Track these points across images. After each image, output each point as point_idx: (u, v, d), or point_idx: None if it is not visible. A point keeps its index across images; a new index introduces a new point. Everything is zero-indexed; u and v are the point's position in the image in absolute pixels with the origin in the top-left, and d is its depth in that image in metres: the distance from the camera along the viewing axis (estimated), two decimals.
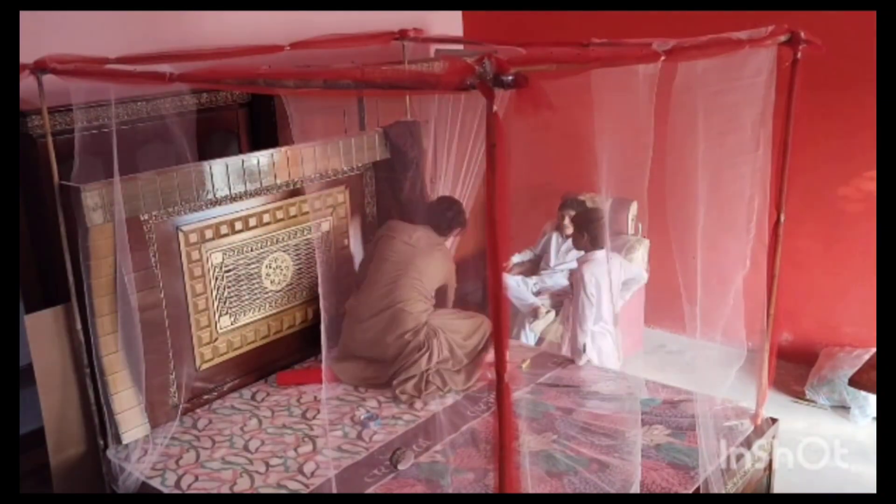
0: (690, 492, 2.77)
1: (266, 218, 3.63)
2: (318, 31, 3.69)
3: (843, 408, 4.21)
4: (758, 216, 2.87)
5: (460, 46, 4.89)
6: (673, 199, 2.75)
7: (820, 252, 4.44)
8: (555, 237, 4.76)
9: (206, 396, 3.48)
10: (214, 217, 3.44)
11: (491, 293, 1.70)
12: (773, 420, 3.20)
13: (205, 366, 3.50)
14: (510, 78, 1.50)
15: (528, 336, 4.40)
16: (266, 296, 3.70)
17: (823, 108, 4.09)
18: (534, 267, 4.86)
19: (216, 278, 3.49)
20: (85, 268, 2.97)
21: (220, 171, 3.31)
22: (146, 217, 3.17)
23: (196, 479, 2.95)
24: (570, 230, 4.57)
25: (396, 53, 4.12)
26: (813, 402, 4.27)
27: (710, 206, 2.76)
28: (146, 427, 3.18)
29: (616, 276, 3.92)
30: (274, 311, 3.75)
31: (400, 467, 2.92)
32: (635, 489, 2.72)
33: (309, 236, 3.83)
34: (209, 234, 3.43)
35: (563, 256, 4.70)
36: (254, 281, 3.64)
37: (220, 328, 3.54)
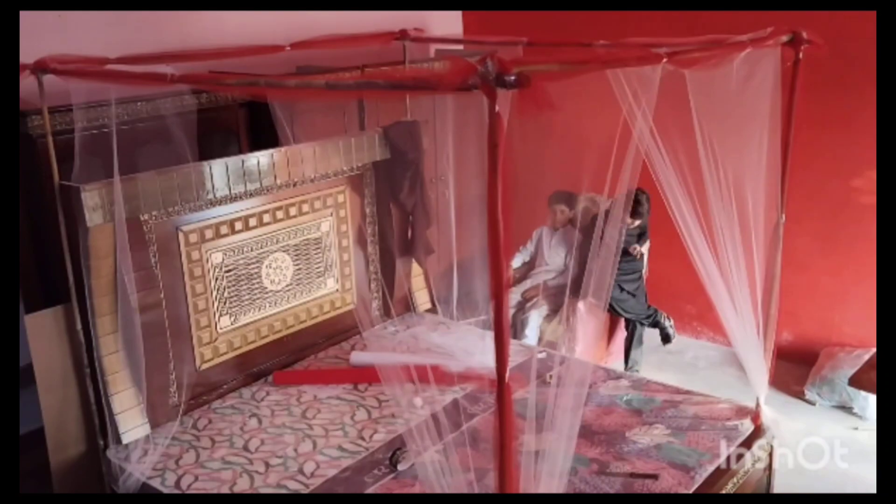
0: (690, 492, 2.77)
1: (266, 218, 3.63)
2: (319, 31, 3.69)
3: (843, 408, 4.21)
4: (759, 216, 2.88)
5: (460, 46, 4.89)
6: (675, 200, 2.76)
7: (820, 252, 4.44)
8: (545, 233, 4.78)
9: (205, 396, 3.48)
10: (214, 217, 3.43)
11: (492, 293, 1.69)
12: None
13: (205, 366, 3.50)
14: (513, 78, 1.50)
15: (530, 335, 4.42)
16: (266, 296, 3.70)
17: (824, 108, 4.09)
18: (529, 269, 4.86)
19: (216, 278, 3.48)
20: (85, 268, 2.97)
21: (220, 171, 3.31)
22: (146, 217, 3.16)
23: (196, 479, 2.94)
24: (560, 223, 4.65)
25: (397, 53, 4.12)
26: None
27: (711, 205, 2.77)
28: (146, 427, 3.18)
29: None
30: (274, 311, 3.75)
31: (400, 467, 2.92)
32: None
33: (309, 236, 3.83)
34: (209, 234, 3.43)
35: (554, 251, 4.71)
36: (254, 281, 3.64)
37: (220, 328, 3.54)
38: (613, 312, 4.51)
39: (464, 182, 4.33)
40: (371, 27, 3.97)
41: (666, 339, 4.59)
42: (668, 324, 4.58)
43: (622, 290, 4.41)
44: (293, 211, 3.74)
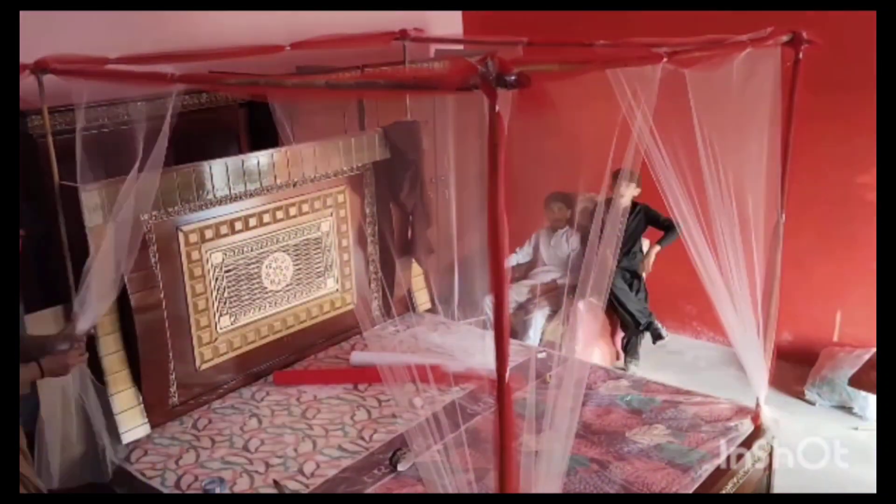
0: (690, 492, 2.77)
1: (266, 218, 3.63)
2: (319, 31, 3.69)
3: (843, 408, 4.21)
4: (759, 216, 2.88)
5: (460, 46, 4.90)
6: (675, 200, 2.75)
7: (820, 252, 4.43)
8: (543, 235, 4.79)
9: (205, 396, 3.48)
10: (214, 217, 3.43)
11: (492, 292, 1.69)
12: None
13: (205, 366, 3.50)
14: (513, 78, 1.50)
15: (534, 336, 4.42)
16: (266, 296, 3.70)
17: (823, 108, 4.09)
18: (528, 269, 4.87)
19: (216, 278, 3.48)
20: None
21: (220, 171, 3.31)
22: (146, 217, 3.16)
23: (196, 479, 2.94)
24: (560, 222, 4.66)
25: (397, 53, 4.12)
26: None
27: (711, 205, 2.77)
28: (146, 427, 3.18)
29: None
30: (274, 311, 3.75)
31: (400, 467, 2.92)
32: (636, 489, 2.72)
33: (309, 236, 3.83)
34: (209, 234, 3.43)
35: (554, 252, 4.73)
36: (254, 281, 3.64)
37: (220, 328, 3.54)
38: (612, 307, 4.48)
39: (464, 182, 4.34)
40: (371, 27, 3.97)
41: (657, 337, 4.57)
42: (659, 324, 4.56)
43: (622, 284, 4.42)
44: (293, 211, 3.74)
